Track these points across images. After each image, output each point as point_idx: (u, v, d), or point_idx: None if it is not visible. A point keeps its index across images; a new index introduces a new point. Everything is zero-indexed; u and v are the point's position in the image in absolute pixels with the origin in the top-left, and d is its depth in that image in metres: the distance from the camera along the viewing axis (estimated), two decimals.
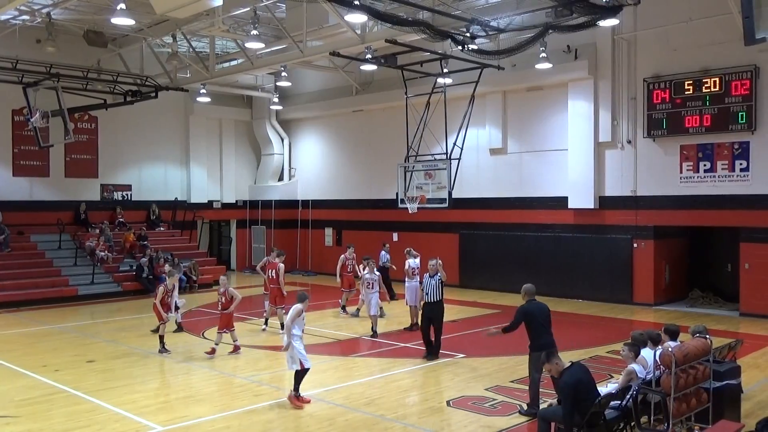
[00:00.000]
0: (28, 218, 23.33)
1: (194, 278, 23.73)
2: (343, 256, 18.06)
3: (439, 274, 12.88)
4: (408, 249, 17.01)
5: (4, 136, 23.37)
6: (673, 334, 8.49)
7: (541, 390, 9.55)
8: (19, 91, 20.31)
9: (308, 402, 10.09)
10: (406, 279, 15.97)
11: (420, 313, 13.47)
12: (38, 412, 9.77)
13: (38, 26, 20.35)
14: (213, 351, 13.30)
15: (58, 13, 19.62)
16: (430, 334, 12.92)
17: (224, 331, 13.45)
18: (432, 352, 13.00)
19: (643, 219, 19.62)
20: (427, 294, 12.93)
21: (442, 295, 12.87)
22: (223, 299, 13.41)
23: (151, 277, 21.82)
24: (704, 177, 18.46)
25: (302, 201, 29.58)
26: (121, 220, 25.45)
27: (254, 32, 17.52)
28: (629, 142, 19.80)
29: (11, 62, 19.39)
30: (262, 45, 19.81)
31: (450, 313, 18.18)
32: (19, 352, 13.61)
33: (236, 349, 13.50)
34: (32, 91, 20.20)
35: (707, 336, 8.44)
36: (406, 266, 16.23)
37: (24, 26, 20.55)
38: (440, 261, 13.24)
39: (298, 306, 10.14)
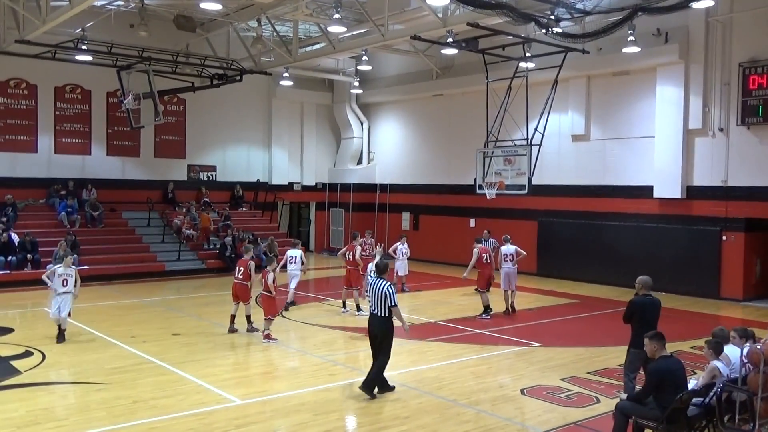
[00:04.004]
0: (120, 196, 24.43)
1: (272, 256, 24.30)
2: (478, 247, 16.30)
3: (385, 282, 9.45)
4: (505, 236, 17.14)
5: (100, 117, 24.56)
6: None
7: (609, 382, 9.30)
8: (114, 74, 21.27)
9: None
10: (502, 264, 16.27)
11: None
12: (127, 381, 10.28)
13: (131, 11, 21.18)
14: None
15: None
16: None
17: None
18: (366, 382, 9.54)
19: (734, 210, 18.74)
20: (371, 302, 9.64)
21: (392, 309, 9.38)
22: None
23: (233, 255, 22.48)
24: None
25: (380, 185, 29.76)
26: (206, 200, 26.29)
27: (336, 16, 17.64)
28: (721, 129, 18.93)
29: (106, 46, 20.23)
30: (344, 29, 19.93)
31: (527, 302, 18.08)
32: (109, 323, 14.33)
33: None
34: (125, 74, 21.10)
35: (753, 339, 7.92)
36: (493, 252, 16.68)
37: (118, 11, 21.40)
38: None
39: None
